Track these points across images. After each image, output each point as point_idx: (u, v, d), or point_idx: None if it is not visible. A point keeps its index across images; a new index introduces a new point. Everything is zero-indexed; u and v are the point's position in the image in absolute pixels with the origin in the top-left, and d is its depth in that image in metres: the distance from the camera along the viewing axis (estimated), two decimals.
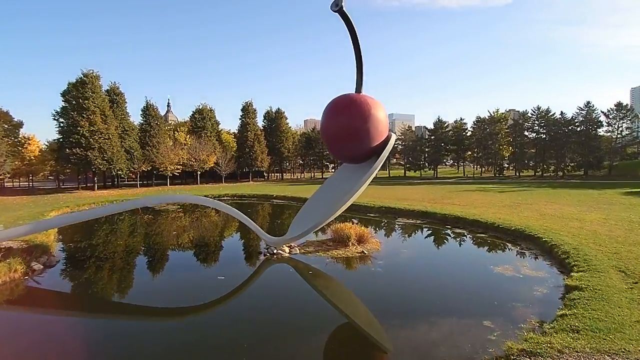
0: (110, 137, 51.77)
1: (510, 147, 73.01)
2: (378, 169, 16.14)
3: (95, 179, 54.01)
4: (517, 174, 72.36)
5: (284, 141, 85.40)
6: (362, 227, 17.95)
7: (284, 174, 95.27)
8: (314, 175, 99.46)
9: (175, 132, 72.49)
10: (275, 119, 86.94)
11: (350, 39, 16.00)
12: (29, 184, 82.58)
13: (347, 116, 15.63)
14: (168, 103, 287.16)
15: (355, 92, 17.75)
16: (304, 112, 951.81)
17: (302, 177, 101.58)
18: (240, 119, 78.48)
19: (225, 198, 47.18)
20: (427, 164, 79.51)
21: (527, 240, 16.77)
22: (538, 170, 69.94)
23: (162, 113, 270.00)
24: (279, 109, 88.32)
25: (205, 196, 45.56)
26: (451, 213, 24.64)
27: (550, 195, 36.10)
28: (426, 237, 19.75)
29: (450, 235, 19.53)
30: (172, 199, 19.48)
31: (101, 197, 46.24)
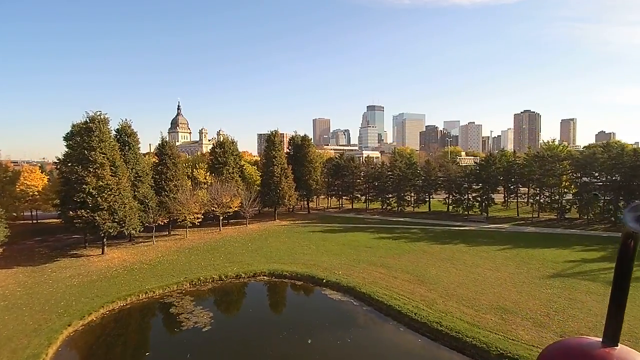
0: (122, 192, 43.42)
1: (573, 187, 63.87)
2: None
3: (105, 240, 45.68)
4: (585, 216, 62.17)
5: (312, 172, 76.88)
6: None
7: (310, 201, 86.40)
8: (341, 205, 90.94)
9: (194, 169, 64.16)
10: (301, 147, 78.55)
11: (620, 265, 7.63)
12: (32, 215, 75.49)
13: None
14: (178, 106, 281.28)
15: (609, 345, 9.37)
16: (311, 112, 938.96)
17: (328, 205, 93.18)
18: (265, 150, 70.02)
19: (263, 277, 39.14)
20: (475, 204, 70.06)
21: None
22: (610, 216, 60.16)
23: (172, 116, 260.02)
24: (305, 135, 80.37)
25: (236, 276, 37.90)
26: None
27: None
28: None
29: None
30: None
31: (113, 273, 38.37)
